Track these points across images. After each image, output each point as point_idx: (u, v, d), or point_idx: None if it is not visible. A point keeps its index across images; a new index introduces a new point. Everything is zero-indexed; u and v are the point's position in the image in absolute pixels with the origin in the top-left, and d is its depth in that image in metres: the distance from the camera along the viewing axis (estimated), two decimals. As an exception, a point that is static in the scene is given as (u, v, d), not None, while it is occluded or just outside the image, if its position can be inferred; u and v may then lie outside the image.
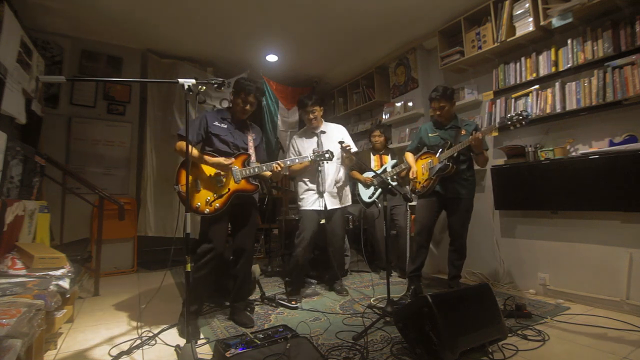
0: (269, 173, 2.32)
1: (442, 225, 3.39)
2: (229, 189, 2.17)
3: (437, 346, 1.53)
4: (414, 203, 2.96)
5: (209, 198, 2.11)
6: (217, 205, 2.12)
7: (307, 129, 2.95)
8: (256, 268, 2.61)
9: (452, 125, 2.68)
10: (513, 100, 2.94)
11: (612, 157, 2.25)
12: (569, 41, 2.58)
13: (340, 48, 4.10)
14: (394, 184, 3.24)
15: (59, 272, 1.97)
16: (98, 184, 3.34)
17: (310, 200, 2.77)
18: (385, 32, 3.73)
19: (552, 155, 2.64)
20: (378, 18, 3.42)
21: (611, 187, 2.26)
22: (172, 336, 2.04)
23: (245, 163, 2.24)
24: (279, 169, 2.26)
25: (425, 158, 2.75)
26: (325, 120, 2.96)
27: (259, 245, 4.60)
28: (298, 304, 2.56)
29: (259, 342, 1.60)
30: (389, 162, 3.50)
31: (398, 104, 4.11)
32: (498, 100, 3.06)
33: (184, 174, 1.84)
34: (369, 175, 3.43)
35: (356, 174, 3.47)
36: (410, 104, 3.99)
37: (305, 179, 2.82)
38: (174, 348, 1.83)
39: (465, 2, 3.16)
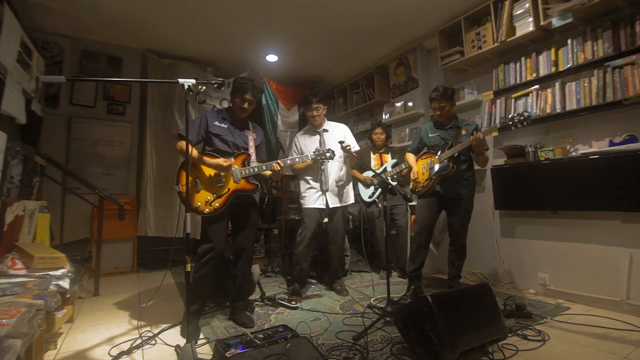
0: (268, 172, 2.32)
1: (442, 225, 3.39)
2: (229, 189, 2.17)
3: (437, 346, 1.53)
4: (414, 203, 2.96)
5: (208, 198, 2.12)
6: (217, 205, 2.12)
7: (309, 127, 2.96)
8: (256, 268, 2.61)
9: (453, 125, 2.68)
10: (513, 100, 2.94)
11: (612, 157, 2.25)
12: (569, 41, 2.58)
13: (340, 48, 4.10)
14: (394, 183, 3.24)
15: (59, 272, 1.97)
16: (98, 184, 3.34)
17: (312, 199, 2.78)
18: (385, 32, 3.73)
19: (552, 155, 2.64)
20: (378, 18, 3.42)
21: (611, 187, 2.26)
22: (172, 336, 2.04)
23: (245, 163, 2.25)
24: (279, 168, 2.26)
25: (425, 158, 2.75)
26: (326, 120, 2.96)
27: (259, 245, 4.60)
28: (298, 304, 2.56)
29: (259, 342, 1.60)
30: (389, 161, 3.50)
31: (398, 104, 4.11)
32: (498, 100, 3.06)
33: (184, 174, 1.84)
34: (368, 174, 3.43)
35: (356, 172, 3.48)
36: (410, 104, 3.99)
37: (308, 177, 2.83)
38: (174, 348, 1.83)
39: (465, 2, 3.16)
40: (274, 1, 3.11)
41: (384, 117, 4.27)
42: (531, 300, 2.56)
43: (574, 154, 2.60)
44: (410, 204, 3.24)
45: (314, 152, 2.44)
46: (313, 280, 3.28)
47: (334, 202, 2.80)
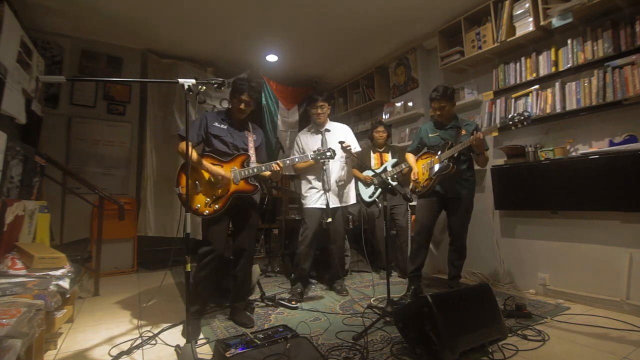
0: (268, 173, 2.32)
1: (442, 226, 3.39)
2: (228, 190, 2.17)
3: (437, 346, 1.53)
4: (414, 203, 2.96)
5: (208, 200, 2.12)
6: (217, 206, 2.13)
7: (312, 126, 2.96)
8: (256, 268, 2.61)
9: (453, 125, 2.67)
10: (513, 100, 2.94)
11: (612, 157, 2.25)
12: (569, 41, 2.58)
13: (340, 48, 4.10)
14: (394, 183, 3.24)
15: (59, 272, 1.97)
16: (98, 184, 3.33)
17: (313, 199, 2.78)
18: (385, 32, 3.73)
19: (552, 155, 2.64)
20: (378, 18, 3.42)
21: (611, 187, 2.26)
22: (172, 336, 2.04)
23: (245, 164, 2.25)
24: (278, 168, 2.26)
25: (425, 158, 2.75)
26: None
27: (259, 245, 4.60)
28: (298, 304, 2.56)
29: (259, 342, 1.60)
30: (389, 161, 3.50)
31: (398, 104, 4.11)
32: (498, 100, 3.06)
33: (184, 176, 1.85)
34: (368, 173, 3.43)
35: (356, 172, 3.48)
36: (410, 104, 3.99)
37: (310, 177, 2.83)
38: (174, 348, 1.83)
39: (465, 2, 3.16)
40: (274, 1, 3.11)
41: (384, 117, 4.27)
42: (531, 300, 2.56)
43: (574, 154, 2.60)
44: (410, 204, 3.24)
45: (314, 152, 2.44)
46: (313, 280, 3.28)
47: (335, 202, 2.80)
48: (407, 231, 3.37)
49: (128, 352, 1.82)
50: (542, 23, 2.67)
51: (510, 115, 2.35)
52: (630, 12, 2.33)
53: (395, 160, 3.48)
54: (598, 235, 2.43)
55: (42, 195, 3.02)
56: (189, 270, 1.69)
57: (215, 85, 1.90)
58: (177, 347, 1.81)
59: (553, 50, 2.69)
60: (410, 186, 2.83)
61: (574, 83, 2.55)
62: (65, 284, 1.90)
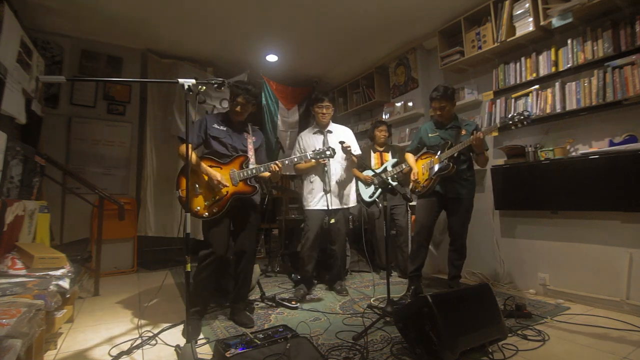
0: (267, 174, 2.32)
1: (442, 225, 3.39)
2: (227, 192, 2.17)
3: (437, 346, 1.53)
4: (414, 203, 2.96)
5: (207, 202, 2.13)
6: (216, 209, 2.13)
7: (314, 126, 2.96)
8: (256, 268, 2.61)
9: (453, 125, 2.67)
10: (513, 100, 2.94)
11: (612, 157, 2.25)
12: (569, 41, 2.58)
13: (340, 48, 4.10)
14: (394, 183, 3.24)
15: (59, 272, 1.97)
16: (98, 184, 3.33)
17: (315, 200, 2.78)
18: (385, 32, 3.73)
19: (552, 155, 2.64)
20: (378, 18, 3.42)
21: (611, 187, 2.26)
22: (173, 336, 2.04)
23: (244, 165, 2.25)
24: (277, 169, 2.26)
25: (425, 158, 2.75)
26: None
27: (260, 246, 4.60)
28: (298, 304, 2.56)
29: (259, 342, 1.60)
30: (389, 161, 3.50)
31: (398, 104, 4.11)
32: (498, 100, 3.06)
33: (184, 180, 1.85)
34: (368, 173, 3.43)
35: (357, 171, 3.48)
36: (410, 104, 3.99)
37: (311, 178, 2.83)
38: (174, 348, 1.83)
39: (465, 2, 3.16)
40: (274, 1, 3.11)
41: (384, 117, 4.27)
42: (531, 300, 2.56)
43: (574, 154, 2.60)
44: (410, 204, 3.24)
45: (312, 152, 2.42)
46: (314, 281, 3.27)
47: (336, 203, 2.80)
48: (407, 231, 3.37)
49: (128, 352, 1.82)
50: (542, 23, 2.67)
51: (510, 115, 2.35)
52: (630, 12, 2.33)
53: (395, 160, 3.48)
54: (598, 235, 2.43)
55: (42, 195, 3.03)
56: (189, 270, 1.69)
57: (215, 85, 1.90)
58: (177, 347, 1.81)
59: (553, 50, 2.69)
60: (410, 186, 2.83)
61: (574, 83, 2.55)
62: (65, 284, 1.90)
